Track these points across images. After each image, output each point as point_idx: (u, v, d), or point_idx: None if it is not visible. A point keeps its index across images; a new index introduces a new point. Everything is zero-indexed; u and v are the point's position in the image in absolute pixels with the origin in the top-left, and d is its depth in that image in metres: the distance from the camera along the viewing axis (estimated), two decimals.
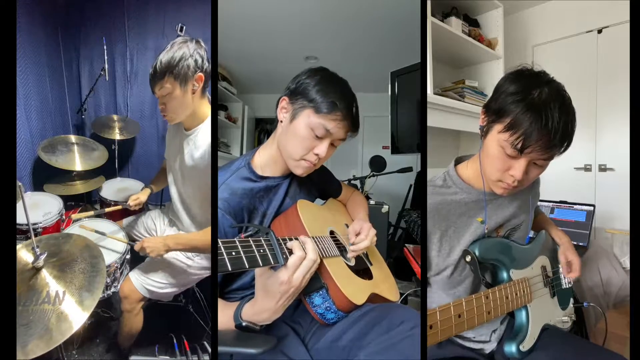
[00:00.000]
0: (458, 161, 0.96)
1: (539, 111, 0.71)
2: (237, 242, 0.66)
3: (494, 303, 0.81)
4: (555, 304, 1.02)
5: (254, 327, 0.76)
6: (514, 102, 0.74)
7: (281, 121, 0.92)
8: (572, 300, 1.08)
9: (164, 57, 1.09)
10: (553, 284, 1.02)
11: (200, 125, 1.21)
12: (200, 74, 1.12)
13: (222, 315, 0.80)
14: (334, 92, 0.87)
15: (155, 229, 1.53)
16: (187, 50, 1.09)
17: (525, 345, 0.88)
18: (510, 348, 0.87)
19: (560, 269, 1.06)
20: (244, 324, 0.75)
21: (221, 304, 0.85)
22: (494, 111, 0.79)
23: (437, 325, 0.69)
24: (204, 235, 1.21)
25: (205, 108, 1.21)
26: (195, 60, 1.10)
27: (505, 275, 0.89)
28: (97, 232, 1.41)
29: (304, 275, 0.72)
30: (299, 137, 0.88)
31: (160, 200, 2.25)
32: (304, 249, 0.74)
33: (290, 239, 0.76)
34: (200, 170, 1.19)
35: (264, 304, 0.73)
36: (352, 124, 0.91)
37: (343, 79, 0.94)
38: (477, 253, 0.84)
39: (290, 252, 0.73)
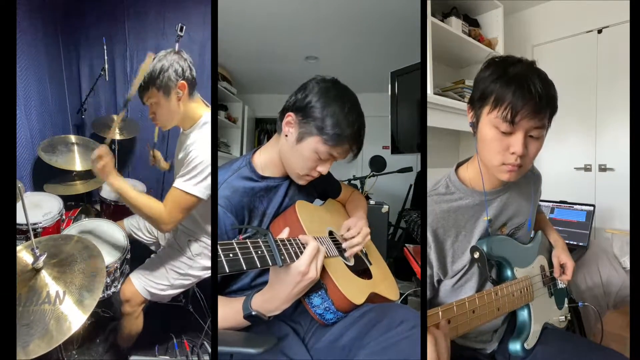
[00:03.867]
0: (458, 166, 0.96)
1: (519, 81, 0.74)
2: (234, 244, 0.66)
3: (502, 300, 0.81)
4: (553, 304, 1.02)
5: (262, 317, 0.76)
6: (493, 81, 0.77)
7: (286, 135, 0.92)
8: (566, 300, 1.08)
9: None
10: (551, 284, 1.02)
11: (198, 121, 1.22)
12: (182, 81, 1.15)
13: (229, 308, 0.80)
14: (343, 121, 0.86)
15: None
16: (165, 62, 1.12)
17: (529, 343, 0.88)
18: (515, 346, 0.88)
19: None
20: (253, 312, 0.76)
21: (226, 299, 0.85)
22: (478, 99, 0.81)
23: (455, 320, 0.68)
24: (157, 204, 1.15)
25: (197, 108, 1.22)
26: (175, 70, 1.13)
27: (509, 273, 0.90)
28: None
29: (318, 266, 0.74)
30: (304, 158, 0.90)
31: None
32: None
33: (289, 241, 0.77)
34: (189, 165, 1.14)
35: (278, 292, 0.75)
36: (357, 148, 0.93)
37: (352, 96, 0.93)
38: (485, 249, 0.85)
39: (290, 255, 0.74)
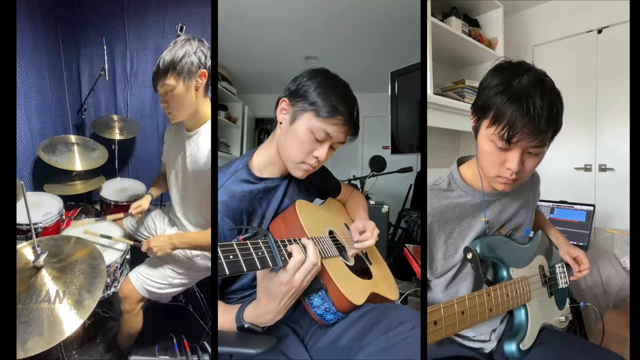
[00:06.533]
0: (460, 162, 0.96)
1: (519, 99, 0.72)
2: (234, 245, 0.65)
3: (495, 300, 0.81)
4: (553, 304, 1.02)
5: (256, 328, 0.76)
6: (495, 94, 0.76)
7: (280, 122, 0.91)
8: (568, 300, 1.08)
9: (166, 55, 1.11)
10: (550, 284, 1.02)
11: (203, 126, 1.21)
12: (204, 70, 1.13)
13: (223, 317, 0.80)
14: (335, 95, 0.86)
15: (156, 228, 1.53)
16: (189, 47, 1.11)
17: (525, 344, 0.88)
18: (511, 347, 0.87)
19: (557, 270, 1.06)
20: (246, 325, 0.75)
21: (221, 306, 0.84)
22: (479, 108, 0.80)
23: (441, 322, 0.68)
24: (207, 235, 1.21)
25: (208, 109, 1.21)
26: (199, 57, 1.12)
27: (505, 273, 0.89)
28: (102, 236, 1.41)
29: (304, 277, 0.72)
30: (299, 140, 0.87)
31: (160, 200, 2.24)
32: (305, 251, 0.75)
33: (290, 241, 0.76)
34: (203, 172, 1.19)
35: (267, 306, 0.74)
36: (353, 127, 0.91)
37: (344, 81, 0.94)
38: (478, 250, 0.85)
39: (290, 254, 0.73)
